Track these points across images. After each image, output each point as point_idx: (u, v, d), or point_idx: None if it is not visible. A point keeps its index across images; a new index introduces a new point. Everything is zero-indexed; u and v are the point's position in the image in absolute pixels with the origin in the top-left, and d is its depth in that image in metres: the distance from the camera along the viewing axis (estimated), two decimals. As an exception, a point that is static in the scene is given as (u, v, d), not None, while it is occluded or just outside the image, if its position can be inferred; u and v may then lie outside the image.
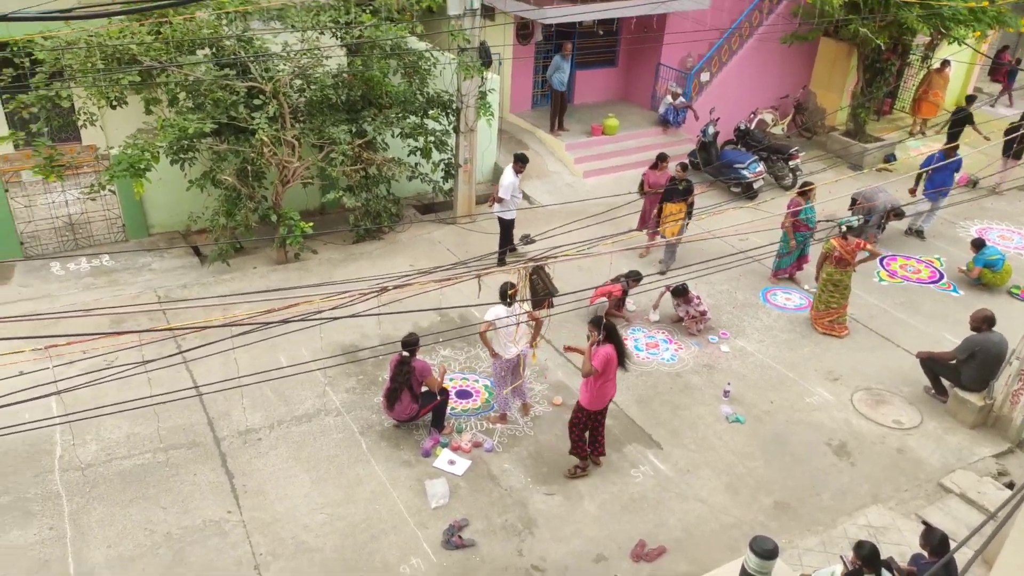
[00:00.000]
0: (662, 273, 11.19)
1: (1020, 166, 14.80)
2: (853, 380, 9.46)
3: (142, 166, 9.51)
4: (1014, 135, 13.65)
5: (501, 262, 11.34)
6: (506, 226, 11.59)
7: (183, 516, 6.93)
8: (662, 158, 11.85)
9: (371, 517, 7.08)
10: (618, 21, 16.03)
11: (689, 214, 11.46)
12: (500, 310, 7.83)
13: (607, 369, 7.17)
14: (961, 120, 15.34)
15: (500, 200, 11.28)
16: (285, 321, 5.10)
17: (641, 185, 12.07)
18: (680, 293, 10.12)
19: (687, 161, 12.65)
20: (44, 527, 6.71)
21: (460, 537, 6.92)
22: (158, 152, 9.68)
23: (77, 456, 7.51)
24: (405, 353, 7.80)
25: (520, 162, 11.31)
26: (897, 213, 12.55)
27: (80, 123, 10.25)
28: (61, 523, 6.76)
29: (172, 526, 6.82)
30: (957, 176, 14.03)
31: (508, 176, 11.22)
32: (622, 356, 7.30)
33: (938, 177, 12.85)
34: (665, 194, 11.43)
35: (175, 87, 10.05)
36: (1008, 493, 7.63)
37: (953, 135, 15.35)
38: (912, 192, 12.94)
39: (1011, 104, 19.88)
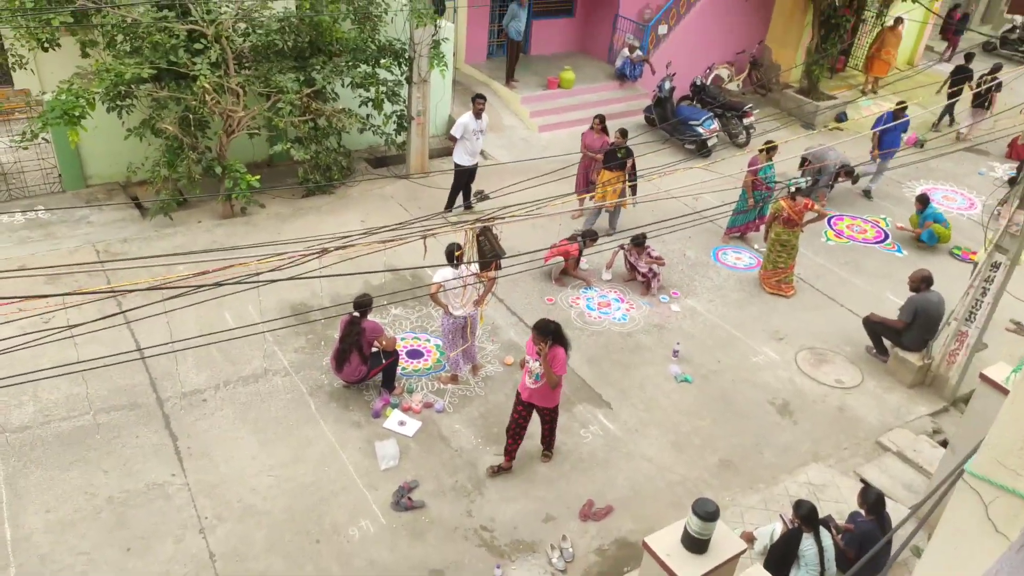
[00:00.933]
0: (608, 234, 11.16)
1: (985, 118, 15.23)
2: (798, 339, 9.66)
3: (77, 113, 9.04)
4: (987, 86, 14.08)
5: (448, 208, 11.44)
6: (459, 174, 11.43)
7: (125, 479, 6.79)
8: (599, 119, 11.44)
9: (320, 479, 7.04)
10: (576, -31, 15.71)
11: (632, 181, 11.12)
12: (448, 272, 7.75)
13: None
14: (962, 79, 15.73)
15: (451, 139, 11.18)
16: (218, 284, 4.93)
17: None
18: (639, 243, 10.14)
19: (628, 126, 12.33)
20: (-22, 492, 6.53)
21: (410, 498, 6.94)
22: (94, 99, 9.22)
23: (13, 418, 7.27)
24: (356, 314, 7.69)
25: (476, 100, 11.11)
26: (848, 171, 12.72)
27: (10, 66, 9.69)
28: (-4, 488, 6.58)
29: (114, 489, 6.69)
30: (905, 137, 14.25)
31: (463, 116, 11.09)
32: (568, 351, 6.92)
33: (887, 138, 13.03)
34: (604, 159, 11.13)
35: (111, 29, 9.53)
36: (942, 451, 7.93)
37: (953, 93, 15.72)
38: (873, 155, 13.06)
39: (950, 59, 20.23)
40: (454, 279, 7.72)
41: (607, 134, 11.34)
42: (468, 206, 11.67)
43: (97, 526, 6.39)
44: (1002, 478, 2.52)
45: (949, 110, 16.27)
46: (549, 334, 6.65)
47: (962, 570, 2.63)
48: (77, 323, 6.48)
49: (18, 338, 6.18)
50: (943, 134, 15.67)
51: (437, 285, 7.71)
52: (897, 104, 13.03)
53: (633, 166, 11.13)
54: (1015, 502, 2.49)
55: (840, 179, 12.75)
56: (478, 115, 11.04)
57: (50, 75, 10.79)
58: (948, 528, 2.74)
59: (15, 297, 5.53)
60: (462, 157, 11.30)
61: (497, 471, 7.34)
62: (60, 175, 10.91)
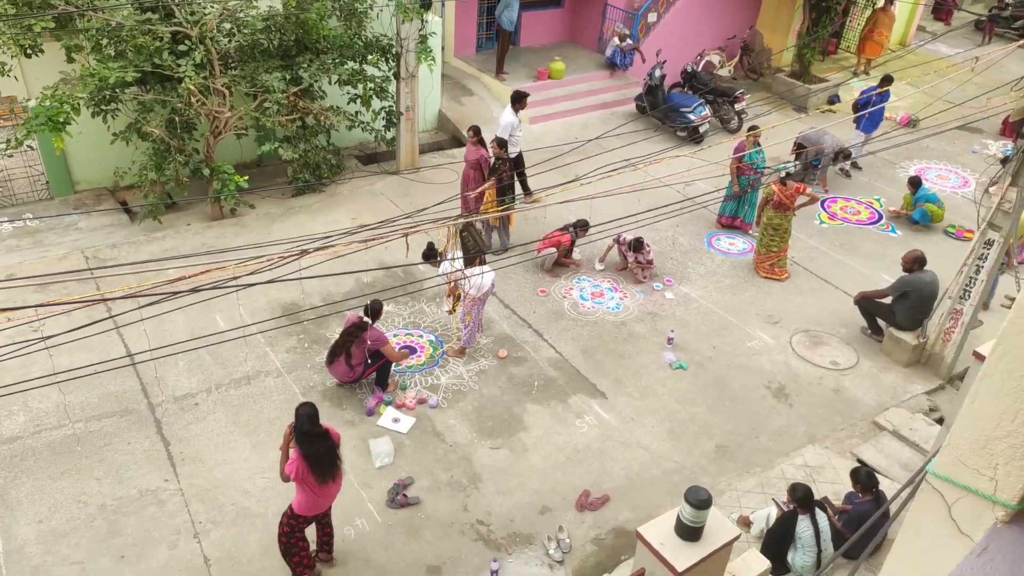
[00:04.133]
0: (503, 250, 10.51)
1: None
2: (792, 323, 9.61)
3: (61, 119, 8.98)
4: None
5: (527, 191, 11.54)
6: (514, 165, 11.38)
7: (118, 486, 6.76)
8: (472, 131, 10.51)
9: (314, 479, 7.01)
10: (563, -41, 15.62)
11: (516, 189, 10.25)
12: (444, 266, 7.86)
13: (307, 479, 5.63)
14: None
15: (502, 141, 11.02)
16: (195, 290, 4.88)
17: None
18: (637, 248, 10.07)
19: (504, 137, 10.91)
20: (-30, 505, 6.50)
21: (405, 496, 6.91)
22: (78, 104, 9.16)
23: (4, 429, 7.24)
24: (366, 319, 7.64)
25: (518, 101, 11.11)
26: (845, 155, 12.65)
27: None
28: (-12, 499, 6.56)
29: (107, 497, 6.66)
30: (898, 117, 14.16)
31: (507, 115, 11.04)
32: (319, 466, 5.57)
33: (877, 113, 13.01)
34: (489, 172, 10.36)
35: (95, 33, 9.47)
36: (938, 429, 7.90)
37: None
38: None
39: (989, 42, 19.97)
40: (453, 271, 7.85)
41: (484, 146, 10.41)
42: (529, 192, 11.56)
43: (90, 535, 6.36)
44: (965, 478, 2.45)
45: None
46: (295, 428, 5.62)
47: (925, 573, 2.57)
48: (67, 330, 6.43)
49: (5, 348, 6.13)
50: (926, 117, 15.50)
51: (449, 280, 7.96)
52: (882, 80, 12.93)
53: (509, 182, 10.40)
54: (979, 503, 2.42)
55: (839, 162, 12.67)
56: (517, 111, 11.09)
57: (36, 81, 10.73)
58: (912, 529, 2.67)
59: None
60: (510, 152, 11.22)
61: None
62: (47, 182, 10.86)
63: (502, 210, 10.02)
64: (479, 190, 10.25)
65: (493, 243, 10.62)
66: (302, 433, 5.57)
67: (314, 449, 5.57)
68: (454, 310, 8.56)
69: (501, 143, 10.41)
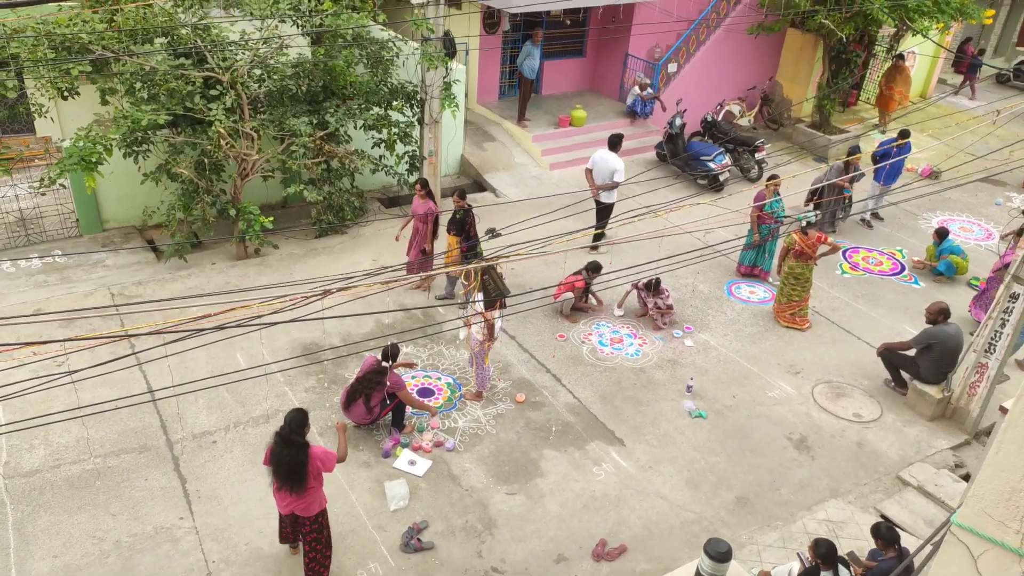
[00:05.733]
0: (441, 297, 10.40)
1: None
2: (814, 373, 9.51)
3: (94, 159, 9.23)
4: None
5: (601, 236, 11.58)
6: (610, 210, 11.62)
7: (133, 523, 6.75)
8: (420, 184, 10.27)
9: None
10: (586, 10, 15.93)
11: (468, 242, 10.00)
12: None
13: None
14: None
15: (615, 186, 11.37)
16: (220, 327, 4.94)
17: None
18: (655, 290, 10.07)
19: (463, 188, 10.81)
20: (-14, 538, 6.51)
21: (419, 540, 6.84)
22: (111, 145, 9.41)
23: (24, 462, 7.29)
24: (385, 364, 7.66)
25: (618, 144, 11.48)
26: (851, 150, 12.66)
27: (31, 114, 9.93)
28: (4, 533, 6.55)
29: (122, 533, 6.65)
30: (920, 169, 14.17)
31: (616, 160, 11.33)
32: (274, 467, 5.87)
33: (895, 166, 13.03)
34: (447, 224, 10.34)
35: (129, 77, 9.77)
36: (964, 485, 7.72)
37: None
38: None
39: (973, 96, 20.11)
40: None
41: (432, 199, 10.30)
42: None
43: (104, 572, 6.33)
44: (990, 530, 2.39)
45: None
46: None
47: None
48: (90, 365, 6.52)
49: (30, 382, 6.21)
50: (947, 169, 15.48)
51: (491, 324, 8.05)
52: (899, 134, 12.97)
53: (471, 225, 10.17)
54: (1005, 556, 2.36)
55: (852, 166, 12.59)
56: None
57: (71, 122, 11.04)
58: (937, 582, 2.62)
59: (13, 344, 5.56)
60: (612, 196, 11.56)
61: None
62: (77, 219, 11.10)
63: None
64: (413, 259, 10.27)
65: (456, 290, 10.32)
66: (277, 433, 5.82)
67: (278, 451, 5.80)
68: (469, 324, 8.43)
69: (461, 194, 10.24)
